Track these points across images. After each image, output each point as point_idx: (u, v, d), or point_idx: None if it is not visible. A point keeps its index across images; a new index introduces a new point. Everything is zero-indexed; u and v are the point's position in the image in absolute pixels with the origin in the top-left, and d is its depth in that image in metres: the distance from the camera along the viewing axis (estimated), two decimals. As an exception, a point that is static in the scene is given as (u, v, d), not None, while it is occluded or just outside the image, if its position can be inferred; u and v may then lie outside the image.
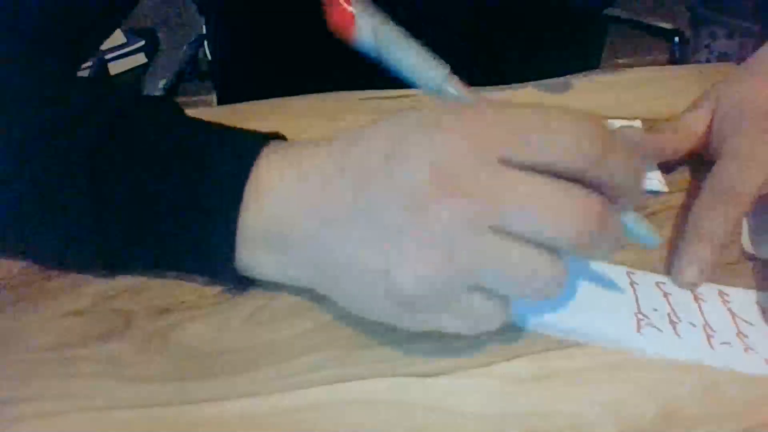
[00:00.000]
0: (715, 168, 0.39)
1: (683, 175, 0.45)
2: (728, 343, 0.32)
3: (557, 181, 0.27)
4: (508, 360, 0.31)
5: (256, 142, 0.33)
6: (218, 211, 0.31)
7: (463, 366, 0.31)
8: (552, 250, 0.27)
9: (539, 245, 0.27)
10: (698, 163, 0.44)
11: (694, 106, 0.45)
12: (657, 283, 0.35)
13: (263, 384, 0.31)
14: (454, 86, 0.31)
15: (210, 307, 0.34)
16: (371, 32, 0.31)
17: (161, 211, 0.32)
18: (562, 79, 0.58)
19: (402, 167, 0.28)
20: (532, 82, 0.57)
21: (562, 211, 0.26)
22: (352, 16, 0.30)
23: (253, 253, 0.32)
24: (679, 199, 0.42)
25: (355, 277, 0.30)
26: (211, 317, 0.34)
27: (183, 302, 0.35)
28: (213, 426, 0.29)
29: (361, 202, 0.29)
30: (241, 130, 0.34)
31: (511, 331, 0.32)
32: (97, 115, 0.33)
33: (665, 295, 0.35)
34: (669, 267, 0.36)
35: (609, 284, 0.35)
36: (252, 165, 0.32)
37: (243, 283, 0.34)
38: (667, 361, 0.31)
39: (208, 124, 0.34)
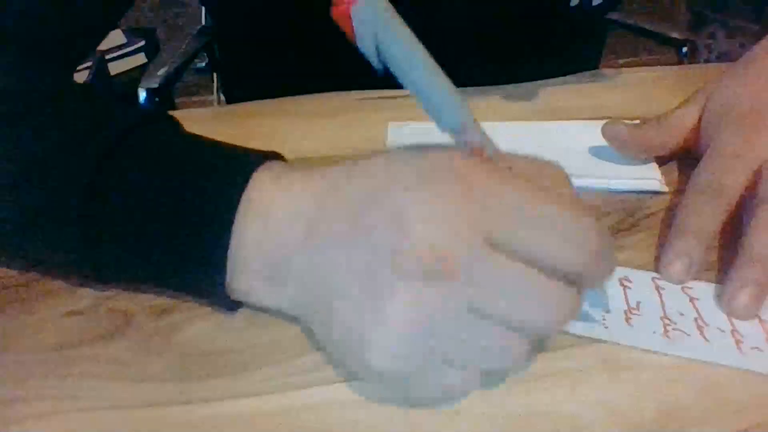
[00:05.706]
0: (700, 163, 0.40)
1: (683, 175, 0.45)
2: (758, 348, 0.32)
3: (537, 275, 0.27)
4: (508, 360, 0.31)
5: (249, 165, 0.32)
6: (208, 235, 0.31)
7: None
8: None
9: (510, 327, 0.27)
10: (698, 163, 0.44)
11: (684, 103, 0.46)
12: (683, 288, 0.35)
13: (263, 384, 0.31)
14: (471, 133, 0.29)
15: (210, 307, 0.34)
16: (372, 36, 0.26)
17: (151, 235, 0.32)
18: (564, 78, 0.58)
19: (388, 230, 0.27)
20: (533, 82, 0.57)
21: (538, 305, 0.27)
22: (349, 16, 0.26)
23: (243, 277, 0.31)
24: (679, 199, 0.42)
25: (341, 305, 0.29)
26: (211, 317, 0.34)
27: (183, 302, 0.35)
28: (213, 426, 0.29)
29: (352, 237, 0.28)
30: (234, 153, 0.33)
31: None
32: (92, 142, 0.32)
33: (691, 299, 0.34)
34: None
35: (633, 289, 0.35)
36: (243, 191, 0.31)
37: (234, 305, 0.34)
38: (667, 361, 0.31)
39: (202, 145, 0.34)
